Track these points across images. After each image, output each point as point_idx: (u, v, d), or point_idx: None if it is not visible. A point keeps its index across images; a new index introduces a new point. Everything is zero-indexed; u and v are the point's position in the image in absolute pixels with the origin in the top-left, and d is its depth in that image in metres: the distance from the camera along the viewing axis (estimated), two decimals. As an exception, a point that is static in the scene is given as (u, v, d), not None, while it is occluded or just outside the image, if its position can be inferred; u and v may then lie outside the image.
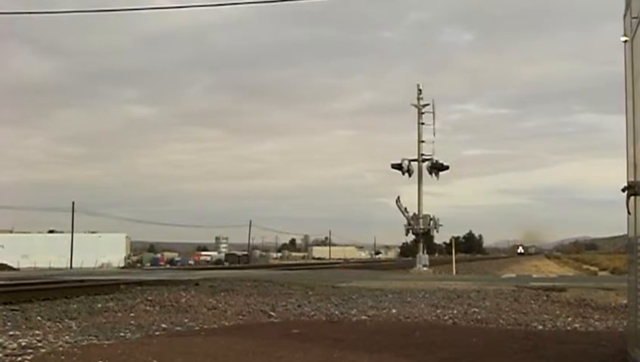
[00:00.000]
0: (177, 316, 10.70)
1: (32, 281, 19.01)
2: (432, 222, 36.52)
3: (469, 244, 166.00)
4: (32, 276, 25.20)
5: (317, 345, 7.36)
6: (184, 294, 13.99)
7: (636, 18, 5.17)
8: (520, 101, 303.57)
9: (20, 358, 6.35)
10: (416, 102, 37.26)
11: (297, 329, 8.85)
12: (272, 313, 11.30)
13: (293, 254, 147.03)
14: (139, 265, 76.18)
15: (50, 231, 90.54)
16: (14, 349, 6.99)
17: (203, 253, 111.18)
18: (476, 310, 11.69)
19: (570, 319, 10.46)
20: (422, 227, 36.19)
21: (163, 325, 9.50)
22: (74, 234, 75.70)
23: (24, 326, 9.16)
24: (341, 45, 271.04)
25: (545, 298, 13.92)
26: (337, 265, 60.19)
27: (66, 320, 10.03)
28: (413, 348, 7.25)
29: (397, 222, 37.47)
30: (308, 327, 9.17)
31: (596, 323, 10.04)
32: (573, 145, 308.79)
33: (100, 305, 12.27)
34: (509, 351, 7.04)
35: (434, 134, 36.54)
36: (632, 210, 5.23)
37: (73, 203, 77.50)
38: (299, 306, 12.37)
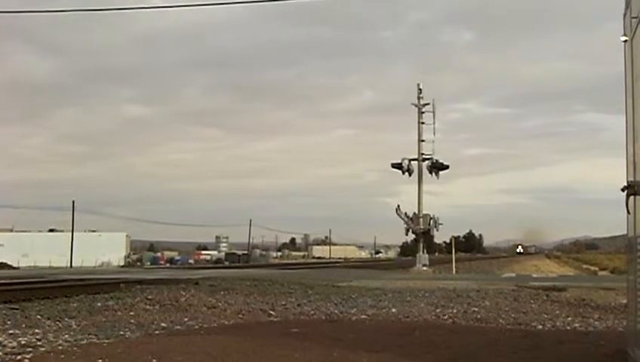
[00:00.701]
0: (177, 315, 10.70)
1: (31, 280, 19.00)
2: (432, 222, 36.50)
3: (469, 244, 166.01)
4: (32, 275, 25.20)
5: (316, 344, 7.35)
6: (184, 293, 14.00)
7: (636, 18, 5.17)
8: (520, 100, 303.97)
9: (19, 357, 6.35)
10: (416, 101, 37.25)
11: (297, 328, 8.85)
12: (271, 312, 11.30)
13: (293, 253, 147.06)
14: (139, 264, 76.25)
15: (51, 230, 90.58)
16: (14, 348, 6.99)
17: (203, 252, 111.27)
18: (476, 309, 11.70)
19: (569, 319, 10.46)
20: (421, 227, 36.18)
21: (163, 324, 9.50)
22: (74, 233, 75.70)
23: (24, 325, 9.16)
24: (341, 45, 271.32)
25: (545, 297, 13.93)
26: (337, 264, 60.18)
27: (66, 319, 10.03)
28: (413, 347, 7.25)
29: (397, 222, 37.44)
30: (307, 326, 9.17)
31: (596, 322, 10.04)
32: (573, 145, 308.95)
33: (99, 304, 12.26)
34: (509, 350, 7.04)
35: (434, 133, 36.53)
36: (631, 210, 5.23)
37: (73, 202, 77.60)
38: (298, 305, 12.37)
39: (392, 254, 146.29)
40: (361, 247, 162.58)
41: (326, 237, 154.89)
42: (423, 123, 36.97)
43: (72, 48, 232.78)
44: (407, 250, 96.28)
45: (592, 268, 73.69)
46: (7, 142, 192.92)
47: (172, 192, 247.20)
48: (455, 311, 11.48)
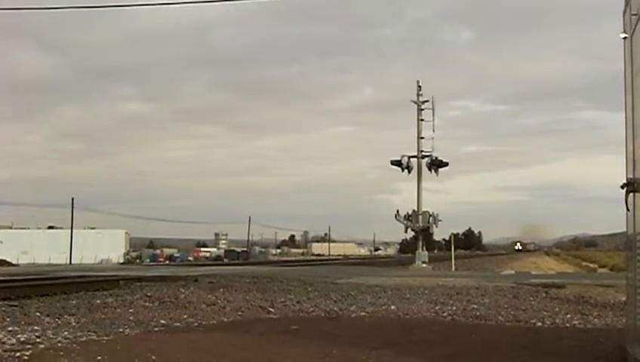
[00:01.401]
0: (176, 312, 10.71)
1: (31, 277, 19.00)
2: (431, 219, 36.52)
3: (469, 241, 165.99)
4: (31, 272, 25.20)
5: (316, 341, 7.36)
6: (183, 290, 14.00)
7: (636, 15, 5.17)
8: (519, 98, 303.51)
9: (18, 354, 6.34)
10: (415, 98, 37.26)
11: (296, 325, 8.86)
12: (271, 309, 11.31)
13: (293, 250, 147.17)
14: (138, 261, 76.29)
15: (50, 227, 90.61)
16: (13, 345, 6.99)
17: (202, 249, 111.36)
18: (475, 306, 11.70)
19: (569, 316, 10.47)
20: (420, 224, 36.20)
21: (162, 321, 9.50)
22: (73, 230, 75.70)
23: (23, 322, 9.16)
24: (340, 42, 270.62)
25: (544, 295, 13.94)
26: (336, 261, 60.22)
27: (65, 316, 10.02)
28: (412, 344, 7.26)
29: (397, 219, 37.47)
30: (307, 323, 9.17)
31: (595, 320, 10.05)
32: (572, 142, 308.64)
33: (99, 301, 12.26)
34: (508, 347, 7.05)
35: (433, 131, 36.54)
36: (631, 207, 5.23)
37: (73, 199, 77.55)
38: (298, 302, 12.37)
39: (391, 251, 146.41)
40: (360, 244, 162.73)
41: (325, 234, 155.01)
42: (422, 120, 36.98)
43: (71, 45, 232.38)
44: (407, 247, 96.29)
45: (591, 265, 73.79)
46: (7, 139, 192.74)
47: (171, 189, 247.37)
48: (454, 308, 11.49)
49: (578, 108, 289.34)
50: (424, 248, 36.99)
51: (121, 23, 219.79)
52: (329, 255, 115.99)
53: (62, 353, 6.34)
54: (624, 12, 5.67)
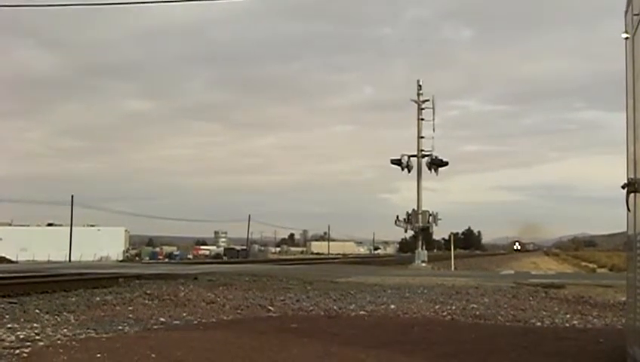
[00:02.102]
0: (176, 310, 10.70)
1: (30, 274, 18.99)
2: (430, 218, 36.53)
3: (468, 241, 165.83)
4: (30, 269, 25.19)
5: (315, 339, 7.36)
6: (183, 288, 14.00)
7: (637, 15, 5.16)
8: (519, 98, 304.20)
9: (18, 351, 6.34)
10: (415, 97, 37.26)
11: (296, 323, 8.86)
12: (270, 307, 11.30)
13: (292, 249, 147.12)
14: (137, 258, 76.13)
15: (49, 225, 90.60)
16: (12, 342, 6.99)
17: (202, 247, 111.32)
18: (475, 306, 11.70)
19: (568, 316, 10.46)
20: (420, 224, 36.21)
21: (161, 319, 9.50)
22: (73, 228, 75.64)
23: (22, 319, 9.16)
24: (340, 41, 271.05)
25: (543, 295, 13.93)
26: (336, 260, 60.19)
27: (65, 314, 10.02)
28: (412, 343, 7.25)
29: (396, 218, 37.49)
30: (306, 322, 9.17)
31: (595, 320, 10.04)
32: (572, 142, 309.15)
33: (98, 299, 12.26)
34: (508, 347, 7.05)
35: (433, 130, 36.57)
36: (631, 207, 5.22)
37: (72, 196, 77.46)
38: (297, 301, 12.37)
39: (390, 250, 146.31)
40: (359, 243, 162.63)
41: (325, 233, 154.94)
42: (422, 119, 36.99)
43: (72, 43, 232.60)
44: (406, 247, 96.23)
45: (591, 265, 73.85)
46: (7, 136, 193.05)
47: (171, 187, 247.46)
48: (454, 307, 11.48)
49: (578, 109, 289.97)
50: (423, 247, 37.01)
51: (121, 21, 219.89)
52: (328, 254, 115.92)
53: (61, 350, 6.34)
54: (626, 12, 5.66)
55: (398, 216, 36.90)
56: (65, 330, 7.95)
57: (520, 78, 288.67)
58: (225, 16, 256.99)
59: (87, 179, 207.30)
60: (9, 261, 51.62)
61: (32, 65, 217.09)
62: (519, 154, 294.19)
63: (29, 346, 6.67)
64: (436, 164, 36.27)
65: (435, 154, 36.29)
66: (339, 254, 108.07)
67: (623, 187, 5.25)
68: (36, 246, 74.27)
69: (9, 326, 8.29)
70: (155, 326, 8.74)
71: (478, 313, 10.68)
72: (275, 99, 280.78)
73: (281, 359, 6.24)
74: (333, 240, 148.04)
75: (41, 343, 6.91)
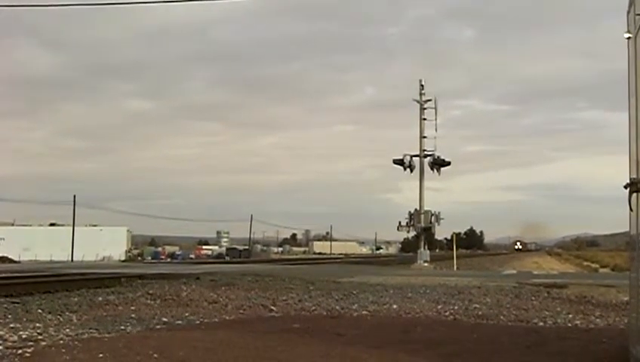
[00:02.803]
0: (178, 310, 10.71)
1: (33, 274, 19.01)
2: (433, 218, 36.51)
3: (470, 240, 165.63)
4: (33, 269, 25.21)
5: (318, 339, 7.36)
6: (185, 288, 14.00)
7: (640, 15, 5.15)
8: (522, 97, 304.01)
9: (20, 351, 6.35)
10: (418, 97, 37.24)
11: (298, 323, 8.86)
12: (272, 307, 11.30)
13: (294, 249, 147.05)
14: (140, 258, 76.17)
15: (52, 224, 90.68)
16: (15, 342, 6.99)
17: (204, 247, 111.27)
18: (477, 306, 11.69)
19: (571, 316, 10.45)
20: (422, 223, 36.19)
21: (164, 319, 9.50)
22: (75, 228, 75.75)
23: (25, 319, 9.17)
24: (342, 40, 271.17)
25: (546, 294, 13.92)
26: (338, 260, 60.17)
27: (67, 313, 10.04)
28: (414, 343, 7.25)
29: (398, 218, 37.51)
30: (309, 322, 9.17)
31: (597, 320, 10.04)
32: (575, 142, 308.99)
33: (100, 298, 12.27)
34: (510, 347, 7.04)
35: (436, 130, 36.53)
36: (634, 207, 5.22)
37: (74, 196, 77.65)
38: (300, 301, 12.37)
39: (393, 250, 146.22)
40: (362, 243, 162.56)
41: (327, 233, 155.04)
42: (424, 119, 36.96)
43: (74, 43, 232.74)
44: (408, 246, 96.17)
45: (593, 265, 73.85)
46: (9, 136, 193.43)
47: (173, 187, 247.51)
48: (456, 307, 11.48)
49: (580, 108, 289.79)
50: (426, 247, 36.98)
51: (123, 20, 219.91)
52: (330, 254, 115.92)
53: (64, 350, 6.34)
54: (628, 12, 5.65)
55: (400, 222, 36.93)
56: (67, 330, 7.96)
57: (522, 77, 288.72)
58: (226, 16, 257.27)
59: (90, 179, 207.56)
60: (12, 261, 51.63)
61: (33, 65, 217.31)
62: (521, 154, 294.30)
63: (31, 346, 6.67)
64: (438, 163, 36.25)
65: (437, 154, 36.28)
66: (341, 254, 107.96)
67: (625, 187, 5.25)
68: (39, 246, 74.36)
69: (12, 325, 8.30)
70: (158, 326, 8.75)
71: (480, 313, 10.68)
72: (277, 99, 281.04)
73: (284, 359, 6.24)
74: (336, 240, 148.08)
75: (44, 343, 6.91)
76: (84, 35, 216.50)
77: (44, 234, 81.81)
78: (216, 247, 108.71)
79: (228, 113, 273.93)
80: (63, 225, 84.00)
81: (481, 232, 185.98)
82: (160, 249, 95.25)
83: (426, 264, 35.51)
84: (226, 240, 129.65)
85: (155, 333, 7.89)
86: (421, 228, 36.43)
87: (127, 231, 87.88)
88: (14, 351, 6.37)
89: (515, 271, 35.34)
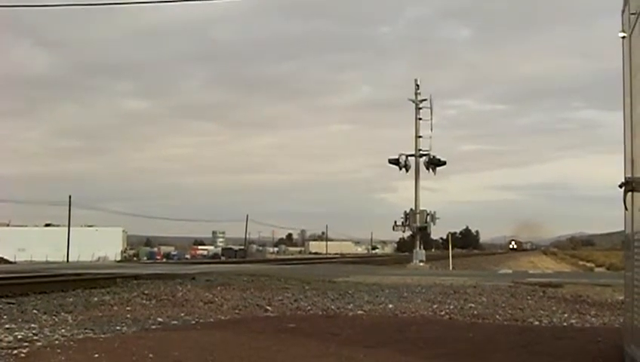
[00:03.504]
0: (174, 310, 10.70)
1: (28, 274, 18.97)
2: (428, 218, 36.55)
3: (466, 240, 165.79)
4: (28, 269, 25.16)
5: (313, 339, 7.35)
6: (180, 288, 13.99)
7: (634, 14, 5.16)
8: (517, 97, 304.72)
9: (15, 351, 6.33)
10: (413, 97, 37.27)
11: (294, 323, 8.85)
12: (268, 307, 11.30)
13: (290, 249, 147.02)
14: (135, 258, 76.16)
15: (47, 225, 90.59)
16: (10, 342, 6.98)
17: (200, 247, 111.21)
18: (473, 305, 11.70)
19: (566, 315, 10.47)
20: (418, 223, 36.22)
21: (159, 319, 9.49)
22: (70, 228, 75.63)
23: (20, 320, 9.15)
24: (339, 40, 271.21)
25: (541, 294, 13.93)
26: (334, 260, 60.16)
27: (62, 314, 10.02)
28: (410, 343, 7.25)
29: (394, 217, 37.57)
30: (304, 322, 9.16)
31: (592, 319, 10.05)
32: (570, 141, 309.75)
33: (96, 299, 12.25)
34: (506, 346, 7.05)
35: (431, 129, 36.59)
36: (629, 206, 5.22)
37: (70, 196, 77.51)
38: (295, 301, 12.36)
39: (388, 250, 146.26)
40: (357, 243, 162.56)
41: (323, 233, 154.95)
42: (420, 119, 37.02)
43: (70, 42, 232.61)
44: (404, 246, 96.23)
45: (589, 264, 73.96)
46: (4, 135, 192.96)
47: (169, 187, 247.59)
48: (452, 307, 11.49)
49: (576, 108, 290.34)
50: (421, 247, 37.02)
51: (119, 20, 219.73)
52: (326, 253, 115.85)
53: (59, 350, 6.33)
54: (623, 11, 5.66)
55: (395, 222, 36.98)
56: (63, 331, 7.94)
57: (518, 77, 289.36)
58: (222, 16, 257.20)
59: (85, 179, 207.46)
60: (7, 261, 51.53)
61: (30, 65, 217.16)
62: (517, 154, 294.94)
63: (26, 346, 6.66)
64: (434, 163, 36.29)
65: (432, 153, 36.34)
66: (337, 254, 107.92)
67: (620, 186, 5.25)
68: (34, 246, 74.22)
69: (7, 326, 8.28)
70: (153, 327, 8.74)
71: (476, 312, 10.69)
72: (273, 98, 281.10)
73: (280, 359, 6.24)
74: (331, 240, 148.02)
75: (39, 343, 6.90)
76: (80, 34, 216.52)
77: (39, 235, 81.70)
78: (211, 247, 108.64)
79: (224, 113, 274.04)
80: (58, 226, 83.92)
81: (477, 232, 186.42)
82: (156, 249, 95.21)
83: (421, 264, 35.54)
84: (221, 240, 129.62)
85: (150, 333, 7.88)
86: (417, 228, 36.47)
87: (123, 231, 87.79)
88: (9, 351, 6.35)
89: (510, 271, 35.44)
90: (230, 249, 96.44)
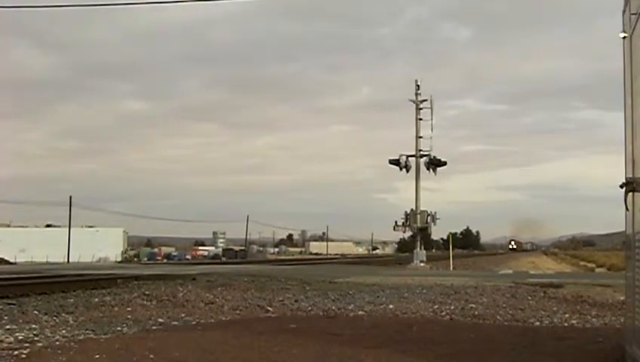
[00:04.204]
0: (174, 310, 10.70)
1: (29, 275, 18.98)
2: (429, 218, 36.52)
3: (467, 240, 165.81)
4: (29, 270, 25.16)
5: (314, 340, 7.35)
6: (181, 289, 13.99)
7: (635, 14, 5.16)
8: (518, 97, 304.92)
9: (16, 352, 6.34)
10: (414, 97, 37.25)
11: (294, 324, 8.85)
12: (268, 308, 11.29)
13: (291, 249, 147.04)
14: (136, 259, 76.09)
15: (48, 226, 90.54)
16: (11, 343, 6.98)
17: (200, 247, 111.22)
18: (473, 306, 11.70)
19: (567, 315, 10.46)
20: (418, 224, 36.20)
21: (160, 319, 9.49)
22: (71, 229, 75.63)
23: (21, 320, 9.15)
24: (339, 41, 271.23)
25: (542, 294, 13.93)
26: (334, 260, 60.16)
27: (63, 314, 10.02)
28: (410, 343, 7.25)
29: (394, 218, 37.54)
30: (305, 322, 9.17)
31: (593, 319, 10.05)
32: (571, 142, 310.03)
33: (96, 300, 12.25)
34: (507, 346, 7.04)
35: (432, 130, 36.56)
36: (630, 207, 5.22)
37: (70, 197, 77.53)
38: (296, 301, 12.36)
39: (389, 250, 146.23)
40: (358, 243, 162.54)
41: (323, 233, 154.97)
42: (420, 119, 36.98)
43: (70, 43, 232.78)
44: (405, 247, 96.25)
45: (589, 265, 73.81)
46: (5, 137, 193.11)
47: (170, 188, 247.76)
48: (452, 307, 11.48)
49: (576, 108, 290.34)
50: (422, 247, 37.00)
51: (120, 21, 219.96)
52: (327, 254, 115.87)
53: (60, 351, 6.33)
54: (623, 11, 5.66)
55: (396, 222, 36.96)
56: (63, 331, 7.95)
57: (518, 77, 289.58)
58: (223, 17, 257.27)
59: (86, 180, 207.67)
60: (8, 262, 51.53)
61: (30, 66, 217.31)
62: (518, 154, 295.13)
63: (27, 347, 6.66)
64: (434, 163, 36.26)
65: (433, 154, 36.29)
66: (337, 254, 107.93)
67: (621, 186, 5.25)
68: (35, 247, 74.15)
69: (8, 327, 8.29)
70: (154, 327, 8.74)
71: (476, 313, 10.68)
72: (274, 99, 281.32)
73: (280, 359, 6.24)
74: (332, 241, 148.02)
75: (40, 344, 6.90)
76: (80, 36, 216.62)
77: (40, 236, 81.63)
78: (212, 248, 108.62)
79: (225, 113, 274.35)
80: (59, 226, 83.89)
81: (478, 232, 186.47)
82: (156, 250, 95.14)
83: (422, 264, 35.52)
84: (222, 240, 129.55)
85: (151, 334, 7.88)
86: (417, 229, 36.44)
87: (124, 232, 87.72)
88: (10, 352, 6.35)
89: (511, 271, 35.37)
90: (231, 249, 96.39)
